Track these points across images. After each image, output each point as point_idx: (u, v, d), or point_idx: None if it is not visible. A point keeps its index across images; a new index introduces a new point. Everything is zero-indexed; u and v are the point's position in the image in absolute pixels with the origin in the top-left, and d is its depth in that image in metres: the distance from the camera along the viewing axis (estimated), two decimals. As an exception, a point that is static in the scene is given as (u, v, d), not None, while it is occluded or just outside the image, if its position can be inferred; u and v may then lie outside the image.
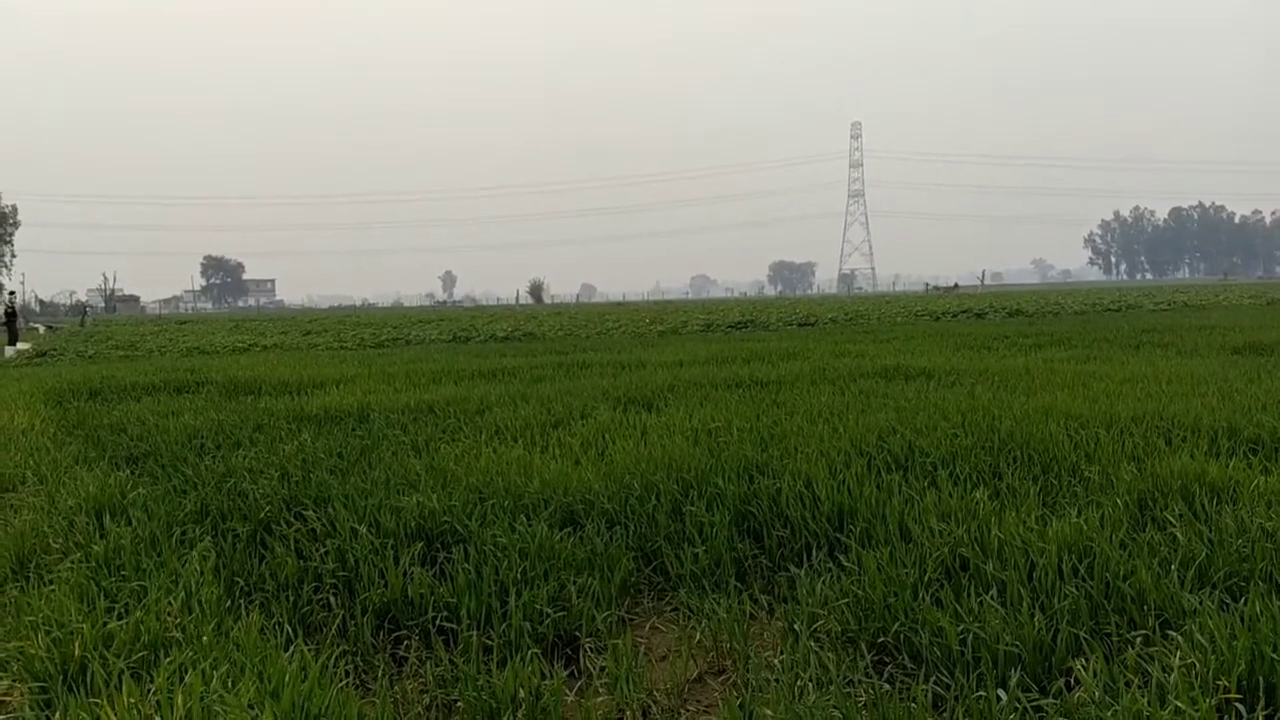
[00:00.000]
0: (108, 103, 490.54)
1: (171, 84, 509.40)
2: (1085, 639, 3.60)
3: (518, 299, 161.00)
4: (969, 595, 3.96)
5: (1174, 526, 4.69)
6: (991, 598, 3.91)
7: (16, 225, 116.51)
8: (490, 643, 3.97)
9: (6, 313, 36.37)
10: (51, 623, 4.02)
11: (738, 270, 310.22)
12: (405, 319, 52.51)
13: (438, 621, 4.24)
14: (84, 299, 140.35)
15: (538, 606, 4.19)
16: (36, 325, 57.12)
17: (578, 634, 4.14)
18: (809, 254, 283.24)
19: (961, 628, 3.66)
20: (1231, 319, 25.33)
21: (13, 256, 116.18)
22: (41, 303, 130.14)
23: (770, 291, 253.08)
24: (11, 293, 47.58)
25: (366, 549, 4.89)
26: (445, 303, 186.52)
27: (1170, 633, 3.60)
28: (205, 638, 3.78)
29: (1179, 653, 3.39)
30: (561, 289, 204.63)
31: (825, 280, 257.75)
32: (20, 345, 32.18)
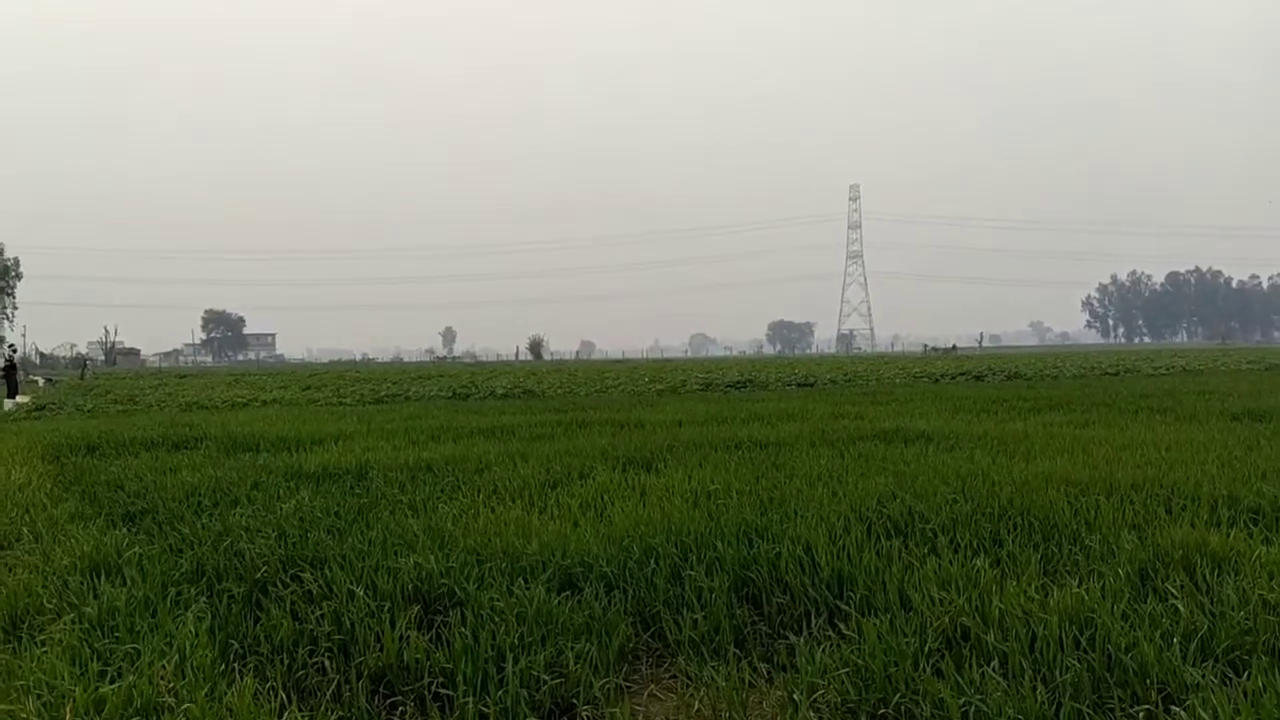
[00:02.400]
0: (108, 160, 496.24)
1: (170, 143, 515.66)
2: (1088, 713, 3.56)
3: (517, 355, 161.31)
4: (970, 666, 3.93)
5: (1176, 598, 4.66)
6: (993, 669, 3.88)
7: (19, 278, 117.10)
8: (487, 710, 3.93)
9: (6, 366, 36.37)
10: (43, 686, 3.98)
11: (737, 329, 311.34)
12: (405, 375, 52.57)
13: (434, 687, 4.19)
14: (84, 351, 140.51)
15: (535, 673, 4.15)
16: (36, 378, 57.13)
17: (575, 701, 4.10)
18: (808, 314, 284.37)
19: (963, 700, 3.62)
20: (1230, 384, 25.37)
21: (14, 309, 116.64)
22: (42, 355, 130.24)
23: (769, 351, 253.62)
24: (11, 346, 47.59)
25: (363, 612, 4.85)
26: (445, 358, 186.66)
27: (1174, 708, 3.57)
28: (198, 704, 3.74)
29: (1183, 728, 3.36)
30: (561, 346, 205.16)
31: (824, 340, 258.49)
32: (20, 398, 32.12)
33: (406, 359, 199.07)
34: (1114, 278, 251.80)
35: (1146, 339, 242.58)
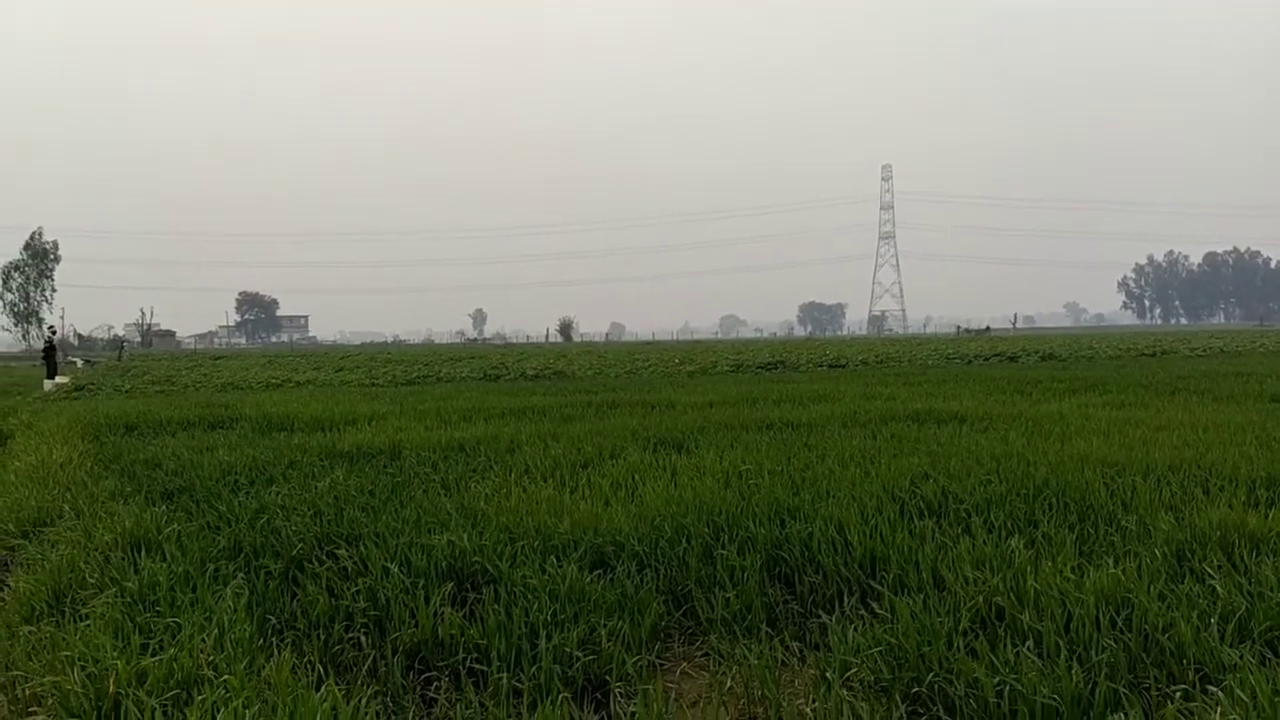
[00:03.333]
0: (145, 137, 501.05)
1: (210, 120, 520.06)
2: (1124, 693, 3.54)
3: (547, 337, 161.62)
4: (1005, 646, 3.91)
5: (1213, 578, 4.61)
6: (1028, 649, 3.86)
7: (57, 260, 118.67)
8: (520, 685, 3.96)
9: (46, 347, 36.95)
10: (86, 658, 4.05)
11: (767, 310, 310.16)
12: (436, 356, 52.86)
13: (468, 663, 4.23)
14: (121, 334, 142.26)
15: (568, 649, 4.17)
16: (75, 359, 57.97)
17: (608, 678, 4.12)
18: (839, 295, 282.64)
19: (998, 679, 3.61)
20: (1268, 366, 24.99)
21: (53, 291, 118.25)
22: (80, 337, 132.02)
23: (800, 332, 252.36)
24: (51, 328, 48.31)
25: (397, 588, 4.90)
26: (475, 340, 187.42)
27: (1210, 688, 3.54)
28: (237, 677, 3.80)
29: (1219, 709, 3.34)
30: (591, 327, 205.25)
31: (855, 321, 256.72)
32: (59, 379, 32.64)
33: (437, 341, 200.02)
34: (1150, 258, 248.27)
35: (1183, 320, 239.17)
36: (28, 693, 4.14)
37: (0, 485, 9.70)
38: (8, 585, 6.26)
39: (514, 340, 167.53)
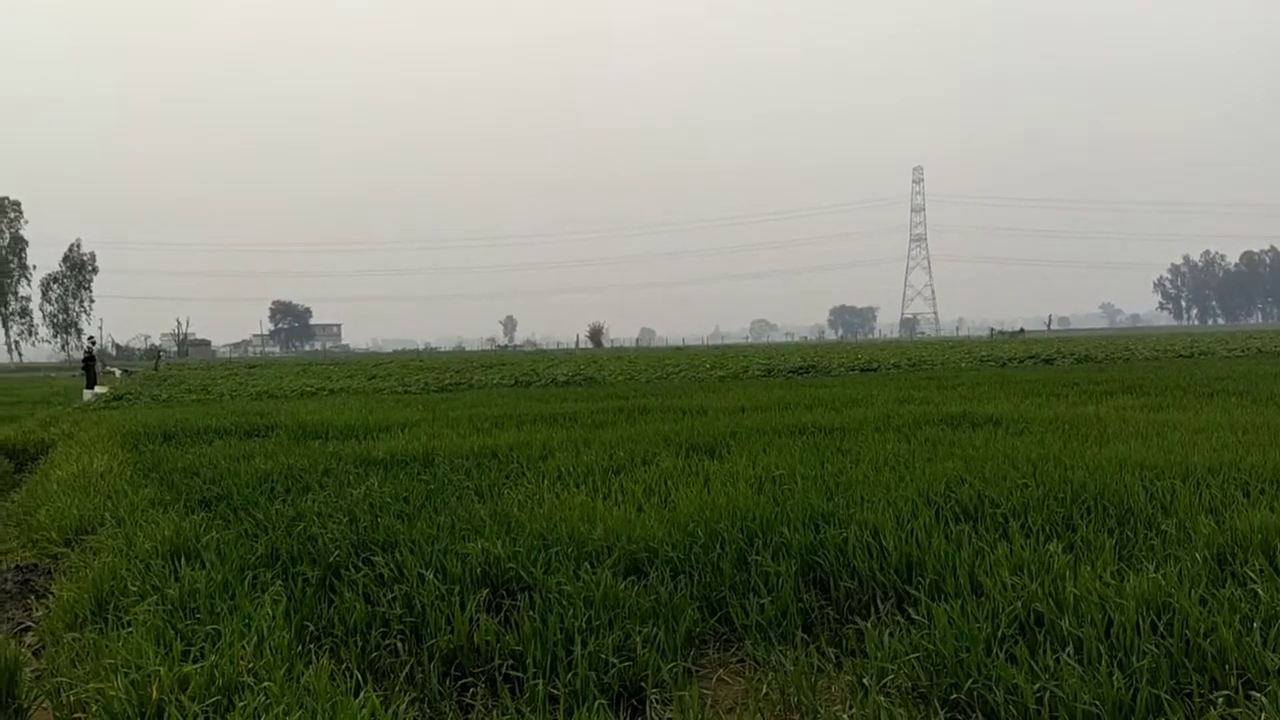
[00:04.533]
0: (179, 148, 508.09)
1: (244, 131, 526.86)
2: (1166, 699, 3.50)
3: (578, 343, 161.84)
4: (1044, 652, 3.88)
5: (1255, 582, 4.55)
6: (1068, 655, 3.82)
7: (95, 272, 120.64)
8: (556, 692, 3.98)
9: (85, 357, 37.49)
10: (130, 665, 4.11)
11: (798, 314, 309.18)
12: (468, 363, 53.13)
13: (504, 669, 4.26)
14: (158, 343, 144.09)
15: (603, 656, 4.18)
16: (113, 369, 58.75)
17: (643, 685, 4.13)
18: (870, 298, 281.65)
19: (1038, 686, 3.58)
20: (1310, 365, 24.60)
21: (91, 302, 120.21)
22: (118, 347, 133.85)
23: (831, 336, 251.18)
24: (91, 338, 48.97)
25: (433, 595, 4.93)
26: (506, 347, 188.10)
27: (1254, 693, 3.49)
28: (277, 683, 3.84)
29: (1264, 714, 3.29)
30: (621, 332, 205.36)
31: (887, 324, 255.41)
32: (98, 389, 33.09)
33: (468, 348, 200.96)
34: (1186, 258, 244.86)
35: (1220, 320, 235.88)
36: (72, 699, 4.21)
37: (43, 494, 9.87)
38: (52, 593, 6.36)
39: (545, 347, 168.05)
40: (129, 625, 4.79)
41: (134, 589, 5.41)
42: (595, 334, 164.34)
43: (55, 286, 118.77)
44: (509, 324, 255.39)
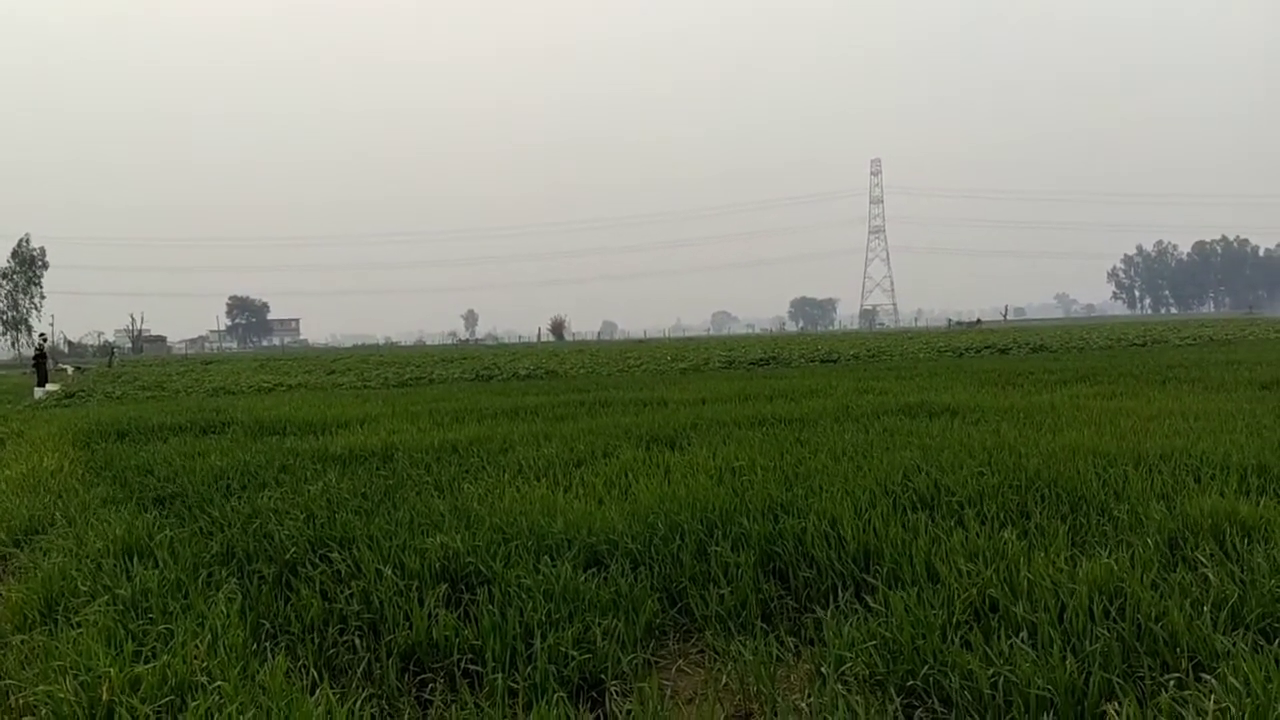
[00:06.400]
0: (134, 148, 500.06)
1: (196, 131, 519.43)
2: (1118, 682, 3.55)
3: (539, 336, 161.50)
4: (999, 637, 3.92)
5: (1205, 567, 4.63)
6: (1022, 640, 3.86)
7: (45, 267, 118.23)
8: (515, 686, 3.96)
9: (36, 354, 36.79)
10: (80, 667, 4.04)
11: (759, 306, 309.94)
12: (428, 357, 52.82)
13: (463, 664, 4.23)
14: (111, 340, 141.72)
15: (562, 649, 4.17)
16: (65, 366, 57.72)
17: (603, 677, 4.12)
18: (830, 290, 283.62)
19: (992, 671, 3.62)
20: (1258, 354, 25.10)
21: (42, 298, 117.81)
22: (70, 344, 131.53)
23: (792, 327, 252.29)
24: (42, 335, 48.10)
25: (391, 591, 4.89)
26: (468, 341, 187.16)
27: (1204, 676, 3.55)
28: (231, 682, 3.79)
29: (1213, 696, 3.34)
30: (583, 326, 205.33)
31: (847, 316, 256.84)
32: (49, 386, 32.49)
33: (429, 342, 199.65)
34: (1139, 248, 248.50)
35: (1173, 309, 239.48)
36: (21, 702, 4.12)
37: (-9, 494, 9.66)
38: (0, 595, 6.23)
39: (506, 340, 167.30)
40: (79, 626, 4.70)
41: (84, 589, 5.32)
42: (557, 327, 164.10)
43: (4, 283, 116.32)
44: (470, 318, 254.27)
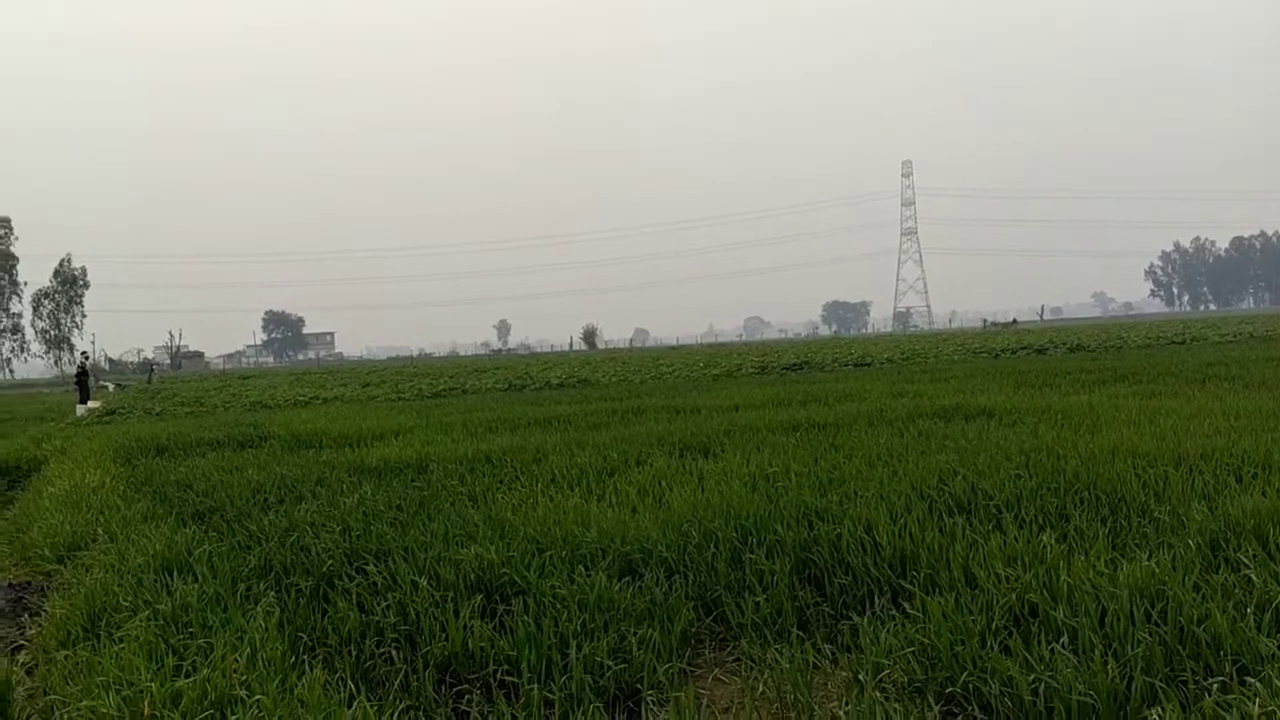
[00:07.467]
0: (170, 169, 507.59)
1: (230, 148, 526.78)
2: (1160, 687, 3.50)
3: (571, 345, 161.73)
4: (1039, 643, 3.87)
5: (1248, 568, 4.55)
6: (1062, 645, 3.82)
7: (86, 286, 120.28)
8: (552, 696, 3.96)
9: (78, 372, 37.37)
10: (122, 681, 4.09)
11: (791, 311, 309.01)
12: (461, 368, 53.04)
13: (499, 675, 4.24)
14: (151, 356, 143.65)
15: (598, 659, 4.17)
16: (106, 384, 58.58)
17: (639, 686, 4.12)
18: (863, 293, 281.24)
19: (1033, 677, 3.57)
20: (1302, 349, 24.65)
21: (83, 317, 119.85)
22: (111, 361, 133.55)
23: (824, 331, 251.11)
24: (84, 353, 48.86)
25: (427, 602, 4.91)
26: (500, 351, 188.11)
27: (1248, 679, 3.49)
28: (270, 696, 3.82)
29: (1258, 700, 3.29)
30: (614, 334, 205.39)
31: (880, 319, 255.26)
32: (91, 403, 32.98)
33: (462, 353, 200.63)
34: (1177, 245, 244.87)
35: (1212, 306, 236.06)
36: (65, 718, 4.18)
37: (36, 511, 9.83)
38: (45, 610, 6.33)
39: (538, 350, 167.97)
40: (121, 641, 4.76)
41: (126, 604, 5.39)
42: (589, 336, 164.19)
43: (46, 302, 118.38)
44: (503, 328, 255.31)
